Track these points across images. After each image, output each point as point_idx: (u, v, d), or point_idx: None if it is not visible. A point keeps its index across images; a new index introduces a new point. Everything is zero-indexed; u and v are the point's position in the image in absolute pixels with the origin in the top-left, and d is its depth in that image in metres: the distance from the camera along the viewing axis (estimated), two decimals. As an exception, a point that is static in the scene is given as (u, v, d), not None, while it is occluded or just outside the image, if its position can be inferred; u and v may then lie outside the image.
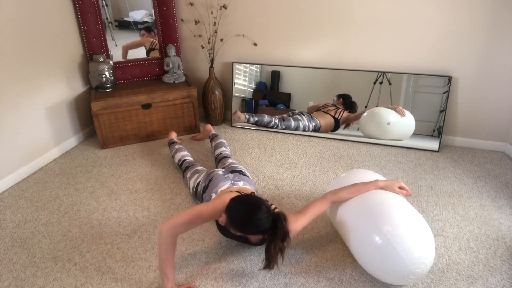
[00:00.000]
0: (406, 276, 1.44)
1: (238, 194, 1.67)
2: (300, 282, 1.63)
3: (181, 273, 1.69)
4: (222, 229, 1.76)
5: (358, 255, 1.55)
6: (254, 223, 1.45)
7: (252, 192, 1.78)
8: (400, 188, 1.67)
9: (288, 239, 1.48)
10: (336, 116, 2.93)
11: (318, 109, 2.98)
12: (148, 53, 3.14)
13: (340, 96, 2.89)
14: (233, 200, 1.52)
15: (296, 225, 1.59)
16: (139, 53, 3.13)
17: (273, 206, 1.67)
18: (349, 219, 1.61)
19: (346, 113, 2.91)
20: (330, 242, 1.86)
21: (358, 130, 2.92)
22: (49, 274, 1.70)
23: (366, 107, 2.85)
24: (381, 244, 1.43)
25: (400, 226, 1.43)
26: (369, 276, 1.65)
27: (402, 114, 2.72)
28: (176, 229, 1.48)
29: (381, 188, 1.65)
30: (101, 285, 1.64)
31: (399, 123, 2.76)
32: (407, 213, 1.49)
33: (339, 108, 2.91)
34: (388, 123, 2.65)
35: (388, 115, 2.77)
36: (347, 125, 2.94)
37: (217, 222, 1.78)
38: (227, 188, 1.90)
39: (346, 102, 2.89)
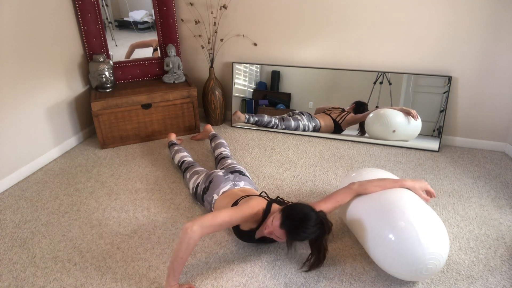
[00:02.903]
0: (419, 271, 1.45)
1: (261, 198, 1.70)
2: (300, 282, 1.63)
3: (181, 273, 1.69)
4: (241, 233, 1.76)
5: (373, 246, 1.55)
6: (310, 231, 1.51)
7: (262, 192, 1.82)
8: (427, 191, 1.71)
9: (332, 230, 1.59)
10: (337, 119, 2.92)
11: (324, 111, 2.97)
12: (152, 53, 3.15)
13: (355, 102, 2.87)
14: (286, 215, 1.53)
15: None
16: (140, 53, 3.13)
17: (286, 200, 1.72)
18: (365, 211, 1.62)
19: (350, 116, 2.89)
20: (330, 242, 1.86)
21: (358, 130, 2.92)
22: (49, 274, 1.70)
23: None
24: (402, 234, 1.45)
25: (421, 219, 1.47)
26: (369, 276, 1.65)
27: (416, 119, 2.70)
28: (203, 229, 1.48)
29: (407, 188, 1.67)
30: (101, 285, 1.64)
31: (406, 126, 2.74)
32: (426, 210, 1.53)
33: (345, 112, 2.89)
34: (394, 131, 2.65)
35: (394, 117, 2.74)
36: (362, 129, 2.89)
37: (235, 228, 1.78)
38: (228, 189, 1.90)
39: (359, 108, 2.87)
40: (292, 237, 1.53)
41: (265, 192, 1.82)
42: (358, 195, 1.72)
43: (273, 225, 1.54)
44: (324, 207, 1.66)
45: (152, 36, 3.10)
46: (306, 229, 1.50)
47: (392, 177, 1.79)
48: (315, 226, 1.51)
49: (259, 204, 1.64)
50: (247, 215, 1.58)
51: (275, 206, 1.67)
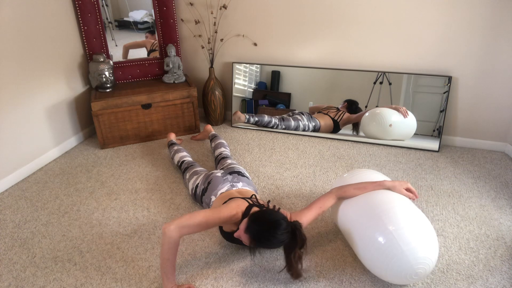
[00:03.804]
0: (409, 276, 1.45)
1: (243, 200, 1.68)
2: (300, 282, 1.63)
3: (181, 273, 1.69)
4: (225, 234, 1.76)
5: (362, 254, 1.55)
6: (277, 240, 1.48)
7: (253, 195, 1.80)
8: (408, 190, 1.68)
9: (306, 245, 1.52)
10: (336, 118, 2.93)
11: (320, 110, 2.98)
12: (148, 54, 3.15)
13: (346, 101, 2.89)
14: (253, 220, 1.51)
15: (302, 220, 1.62)
16: (139, 53, 3.13)
17: (276, 207, 1.68)
18: (353, 218, 1.62)
19: (346, 115, 2.90)
20: (330, 242, 1.86)
21: (353, 131, 2.92)
22: (49, 274, 1.70)
23: (366, 107, 2.85)
24: (386, 242, 1.44)
25: (405, 225, 1.44)
26: (369, 276, 1.65)
27: (405, 115, 2.72)
28: (181, 230, 1.47)
29: (388, 189, 1.66)
30: (101, 285, 1.64)
31: (401, 124, 2.76)
32: (412, 213, 1.50)
33: (341, 111, 2.90)
34: (390, 125, 2.65)
35: (390, 115, 2.76)
36: (356, 129, 2.91)
37: (220, 228, 1.78)
38: (226, 190, 1.90)
39: (351, 107, 2.88)
40: (255, 244, 1.50)
41: (255, 195, 1.81)
42: (340, 198, 1.72)
43: (240, 229, 1.53)
44: (309, 214, 1.65)
45: (151, 36, 3.10)
46: (273, 237, 1.47)
47: (385, 178, 1.79)
48: (283, 235, 1.47)
49: (239, 207, 1.62)
50: (224, 216, 1.56)
51: (254, 210, 1.63)
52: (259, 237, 1.48)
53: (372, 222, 1.51)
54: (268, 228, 1.47)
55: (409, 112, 2.73)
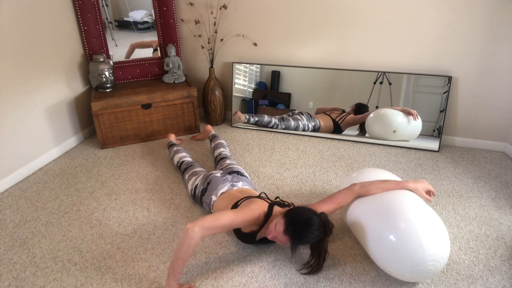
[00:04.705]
0: (419, 273, 1.45)
1: (262, 201, 1.69)
2: (300, 282, 1.63)
3: (181, 273, 1.69)
4: (242, 235, 1.76)
5: (374, 248, 1.55)
6: (314, 236, 1.52)
7: (261, 193, 1.83)
8: (427, 192, 1.69)
9: (332, 232, 1.60)
10: (337, 119, 2.92)
11: (324, 111, 2.97)
12: (152, 53, 3.16)
13: (356, 104, 2.87)
14: (290, 220, 1.53)
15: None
16: (140, 53, 3.13)
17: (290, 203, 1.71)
18: (366, 212, 1.62)
19: (350, 116, 2.89)
20: (330, 242, 1.86)
21: (358, 130, 2.92)
22: (49, 274, 1.70)
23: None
24: (403, 235, 1.44)
25: (421, 221, 1.46)
26: (369, 276, 1.65)
27: (415, 119, 2.70)
28: (205, 231, 1.48)
29: (410, 190, 1.66)
30: (101, 285, 1.64)
31: (407, 125, 2.74)
32: (426, 211, 1.52)
33: (345, 113, 2.89)
34: (394, 131, 2.64)
35: (395, 116, 2.74)
36: (362, 129, 2.89)
37: (235, 229, 1.78)
38: (226, 190, 1.90)
39: (359, 111, 2.87)
40: (296, 242, 1.53)
41: (264, 193, 1.82)
42: (359, 196, 1.71)
43: (277, 231, 1.54)
44: (325, 208, 1.66)
45: (152, 36, 3.10)
46: (310, 233, 1.50)
47: (393, 177, 1.79)
48: (318, 230, 1.52)
49: (261, 208, 1.64)
50: (248, 218, 1.58)
51: (276, 209, 1.66)
52: (298, 236, 1.51)
53: (388, 215, 1.52)
54: (304, 227, 1.51)
55: (418, 116, 2.72)
